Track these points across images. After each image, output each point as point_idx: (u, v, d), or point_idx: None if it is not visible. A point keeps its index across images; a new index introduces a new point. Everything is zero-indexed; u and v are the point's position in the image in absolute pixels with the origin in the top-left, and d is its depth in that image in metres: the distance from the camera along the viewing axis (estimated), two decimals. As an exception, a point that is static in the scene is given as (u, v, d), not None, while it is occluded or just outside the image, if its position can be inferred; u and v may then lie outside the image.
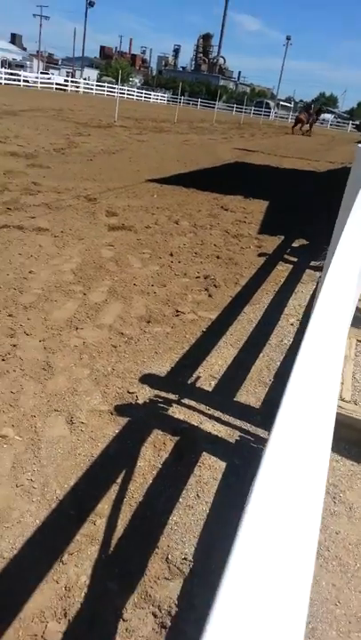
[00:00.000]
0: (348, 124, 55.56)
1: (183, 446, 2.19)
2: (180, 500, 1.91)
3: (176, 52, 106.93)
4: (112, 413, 2.35)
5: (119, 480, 1.96)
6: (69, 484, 1.90)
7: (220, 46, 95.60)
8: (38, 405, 2.33)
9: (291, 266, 4.92)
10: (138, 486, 1.94)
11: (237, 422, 2.40)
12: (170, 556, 1.66)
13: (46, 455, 2.03)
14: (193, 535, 1.76)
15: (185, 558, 1.66)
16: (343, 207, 2.36)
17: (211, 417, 2.42)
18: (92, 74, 66.83)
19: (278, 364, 2.98)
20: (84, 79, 54.20)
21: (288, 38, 76.24)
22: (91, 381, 2.58)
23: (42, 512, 1.76)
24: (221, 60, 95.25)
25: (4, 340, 2.83)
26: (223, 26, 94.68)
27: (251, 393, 2.67)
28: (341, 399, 2.37)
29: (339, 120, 58.97)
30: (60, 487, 1.88)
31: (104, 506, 1.82)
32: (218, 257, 4.84)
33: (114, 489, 1.91)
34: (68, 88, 43.92)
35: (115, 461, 2.06)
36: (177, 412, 2.42)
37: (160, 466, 2.06)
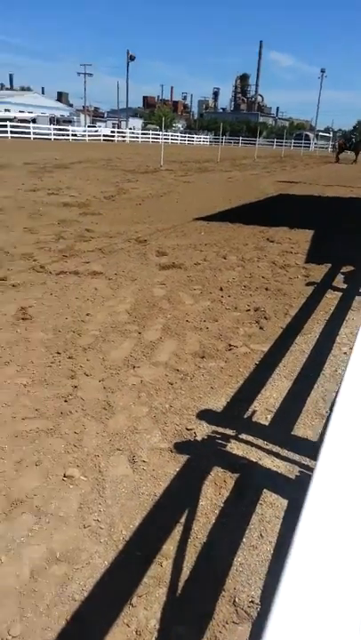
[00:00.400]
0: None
1: (244, 483, 2.17)
2: (244, 539, 1.88)
3: (215, 94, 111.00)
4: (172, 451, 2.37)
5: (182, 520, 1.96)
6: (135, 524, 1.92)
7: (257, 85, 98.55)
8: (101, 445, 2.39)
9: (340, 293, 4.85)
10: (201, 526, 1.93)
11: (296, 457, 2.35)
12: (237, 599, 1.63)
13: (111, 495, 2.07)
14: (259, 577, 1.72)
15: (252, 601, 1.62)
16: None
17: (269, 452, 2.39)
18: (137, 123, 70.38)
19: (334, 394, 2.91)
20: (130, 129, 57.13)
21: (323, 71, 77.05)
22: (150, 419, 2.62)
23: (110, 553, 1.78)
24: (260, 98, 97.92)
25: (66, 381, 2.95)
26: (259, 66, 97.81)
27: (308, 426, 2.62)
28: None
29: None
30: (126, 528, 1.90)
31: (169, 547, 1.82)
32: (267, 289, 4.85)
33: (178, 529, 1.91)
34: (115, 138, 46.46)
35: (177, 500, 2.07)
36: (235, 448, 2.41)
37: (222, 504, 2.05)
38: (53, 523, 1.90)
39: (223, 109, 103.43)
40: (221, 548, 1.83)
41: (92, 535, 1.86)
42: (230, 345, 3.56)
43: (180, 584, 1.67)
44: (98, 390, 2.89)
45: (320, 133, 78.92)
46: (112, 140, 45.23)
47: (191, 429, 2.54)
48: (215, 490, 2.13)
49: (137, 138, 49.70)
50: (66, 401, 2.74)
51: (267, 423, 2.65)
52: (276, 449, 2.41)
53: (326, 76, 77.40)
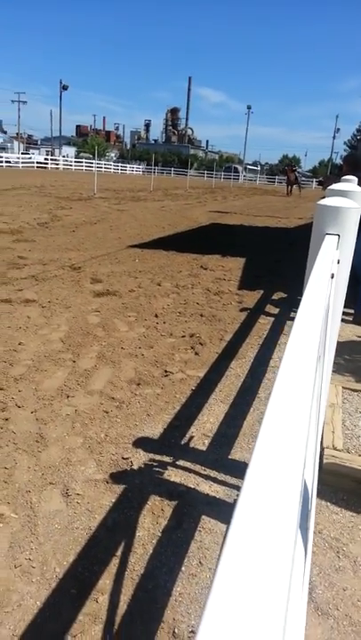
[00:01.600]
0: (312, 181, 59.26)
1: (182, 511, 2.16)
2: (183, 568, 1.86)
3: (147, 126, 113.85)
4: (107, 482, 2.32)
5: (119, 553, 1.91)
6: (69, 560, 1.84)
7: (187, 118, 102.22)
8: (33, 480, 2.29)
9: (272, 319, 5.04)
10: (139, 558, 1.89)
11: (234, 481, 2.38)
12: (177, 630, 1.60)
13: (44, 532, 1.98)
14: (199, 605, 1.70)
15: (192, 631, 1.60)
16: (310, 259, 2.49)
17: (207, 477, 2.40)
18: (71, 151, 70.42)
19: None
20: (63, 156, 57.01)
21: (249, 107, 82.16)
22: (84, 450, 2.56)
23: (42, 593, 1.69)
24: (190, 131, 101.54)
25: (-5, 414, 2.82)
26: (189, 100, 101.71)
27: (245, 449, 2.66)
28: (334, 448, 2.39)
29: (303, 179, 62.75)
30: (60, 565, 1.82)
31: (105, 581, 1.77)
32: (201, 315, 4.95)
33: (114, 562, 1.86)
34: (49, 165, 46.12)
35: (113, 533, 2.01)
36: (173, 475, 2.40)
37: (160, 534, 2.02)
38: (-19, 566, 1.78)
39: (155, 141, 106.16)
40: (160, 579, 1.80)
41: (24, 575, 1.76)
42: (166, 371, 3.58)
43: (118, 619, 1.62)
44: (30, 422, 2.78)
45: (248, 166, 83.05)
46: (45, 168, 44.86)
47: (127, 458, 2.51)
48: (153, 519, 2.10)
49: (70, 165, 49.63)
50: (-5, 435, 2.61)
51: (204, 448, 2.66)
52: (213, 474, 2.43)
53: (253, 112, 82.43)
